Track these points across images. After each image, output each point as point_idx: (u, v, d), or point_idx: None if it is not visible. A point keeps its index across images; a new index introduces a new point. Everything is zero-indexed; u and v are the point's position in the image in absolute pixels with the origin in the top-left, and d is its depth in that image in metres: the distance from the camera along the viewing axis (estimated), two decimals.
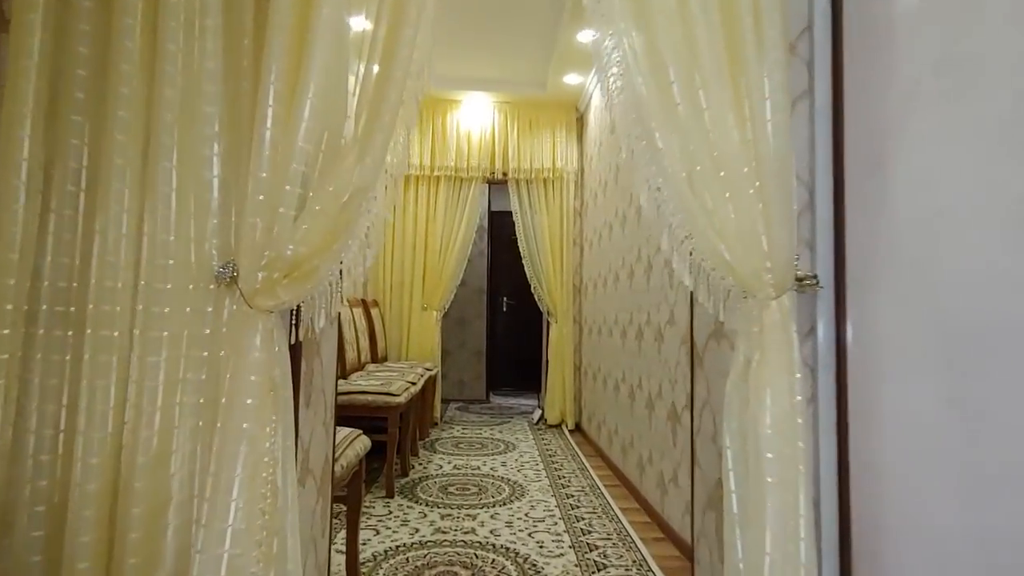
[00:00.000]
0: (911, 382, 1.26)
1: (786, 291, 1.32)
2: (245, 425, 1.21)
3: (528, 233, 5.54)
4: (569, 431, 5.32)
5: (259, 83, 1.27)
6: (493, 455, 4.37)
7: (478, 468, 4.00)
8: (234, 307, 1.33)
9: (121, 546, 1.25)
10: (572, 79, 5.07)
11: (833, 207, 1.50)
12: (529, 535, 2.81)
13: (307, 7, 1.27)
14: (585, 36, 4.22)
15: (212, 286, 1.35)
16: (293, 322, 1.39)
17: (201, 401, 1.32)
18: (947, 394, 1.17)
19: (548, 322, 5.61)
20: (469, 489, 3.52)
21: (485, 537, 2.77)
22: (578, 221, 5.66)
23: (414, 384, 3.96)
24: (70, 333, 1.33)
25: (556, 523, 2.99)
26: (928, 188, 1.24)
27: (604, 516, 3.15)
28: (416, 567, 2.43)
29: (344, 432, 2.27)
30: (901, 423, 1.28)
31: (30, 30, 1.28)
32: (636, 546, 2.74)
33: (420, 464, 4.06)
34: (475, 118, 5.52)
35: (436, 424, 5.38)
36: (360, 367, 4.41)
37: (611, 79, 1.49)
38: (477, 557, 2.54)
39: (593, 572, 2.44)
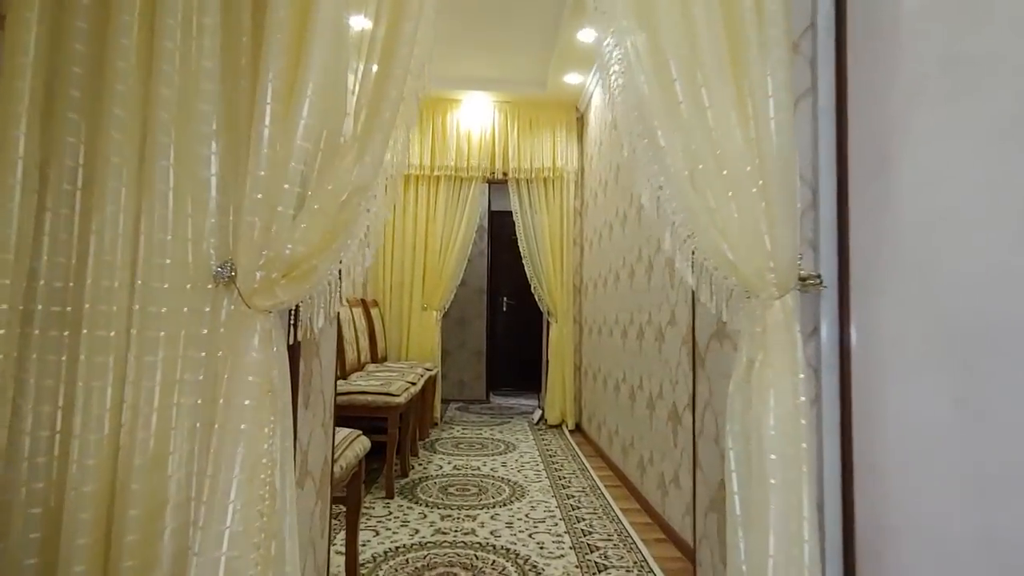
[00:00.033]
0: (916, 382, 1.25)
1: (789, 291, 1.31)
2: (243, 426, 1.20)
3: (528, 233, 5.53)
4: (569, 431, 5.31)
5: (257, 81, 1.26)
6: (493, 455, 4.35)
7: (478, 468, 3.98)
8: (232, 307, 1.32)
9: (118, 549, 1.24)
10: (572, 78, 5.06)
11: (837, 206, 1.48)
12: (529, 536, 2.80)
13: (306, 4, 1.26)
14: (586, 35, 4.21)
15: (210, 286, 1.33)
16: (292, 322, 1.38)
17: (199, 402, 1.31)
18: (952, 394, 1.15)
19: (548, 322, 5.60)
20: (469, 490, 3.51)
21: (485, 538, 2.76)
22: (578, 221, 5.65)
23: (414, 384, 3.95)
24: (66, 333, 1.31)
25: (556, 524, 2.98)
26: (933, 187, 1.22)
27: (605, 517, 3.14)
28: (416, 568, 2.41)
29: (343, 433, 2.26)
30: (905, 424, 1.27)
31: (26, 26, 1.27)
32: (637, 547, 2.73)
33: (420, 465, 4.05)
34: (475, 117, 5.51)
35: (436, 424, 5.37)
36: (360, 367, 4.40)
37: (613, 77, 1.48)
38: (477, 558, 2.52)
39: (594, 573, 2.42)
